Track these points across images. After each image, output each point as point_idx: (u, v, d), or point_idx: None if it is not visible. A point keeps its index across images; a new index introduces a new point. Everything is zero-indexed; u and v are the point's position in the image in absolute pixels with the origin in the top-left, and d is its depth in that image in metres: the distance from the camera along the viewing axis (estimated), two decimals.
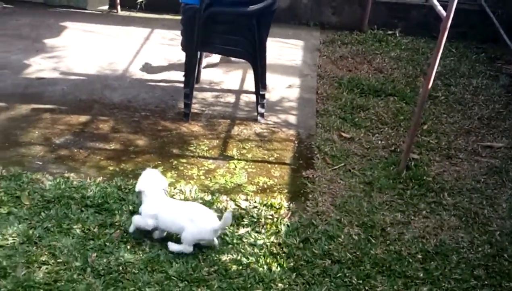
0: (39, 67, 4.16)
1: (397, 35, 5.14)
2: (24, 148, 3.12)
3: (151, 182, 2.49)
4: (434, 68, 2.79)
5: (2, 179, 2.77)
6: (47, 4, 5.46)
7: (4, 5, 5.29)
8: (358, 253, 2.52)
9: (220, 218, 2.39)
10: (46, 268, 2.25)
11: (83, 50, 4.46)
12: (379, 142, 3.48)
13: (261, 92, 3.60)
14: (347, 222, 2.72)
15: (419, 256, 2.54)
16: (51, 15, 5.26)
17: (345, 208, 2.82)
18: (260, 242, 2.54)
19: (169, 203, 2.51)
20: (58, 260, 2.29)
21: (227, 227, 2.52)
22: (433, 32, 4.28)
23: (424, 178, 3.10)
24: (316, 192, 2.94)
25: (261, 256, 2.45)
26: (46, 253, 2.32)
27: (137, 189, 2.50)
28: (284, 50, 4.82)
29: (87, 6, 5.48)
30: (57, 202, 2.65)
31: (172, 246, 2.42)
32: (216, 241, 2.47)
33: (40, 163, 2.99)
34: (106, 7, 5.53)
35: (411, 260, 2.51)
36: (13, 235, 2.40)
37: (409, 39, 5.07)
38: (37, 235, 2.42)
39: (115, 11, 5.54)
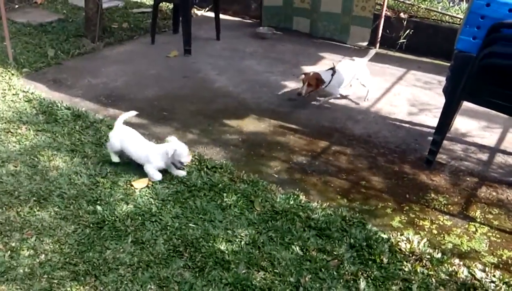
0: (292, 89, 4.71)
1: None
2: (265, 159, 3.55)
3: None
4: None
5: (242, 182, 3.22)
6: (312, 35, 6.18)
7: (275, 32, 6.21)
8: None
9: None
10: (263, 274, 2.48)
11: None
12: None
13: None
14: None
15: None
16: (313, 45, 5.92)
17: None
18: None
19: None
20: (275, 270, 2.51)
21: None
22: None
23: None
24: None
25: None
26: (266, 260, 2.57)
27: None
28: None
29: (348, 41, 5.96)
30: (284, 216, 2.91)
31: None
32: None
33: (276, 176, 3.35)
34: (365, 44, 5.89)
35: None
36: (241, 234, 2.75)
37: None
38: (261, 240, 2.71)
39: (373, 48, 5.85)
